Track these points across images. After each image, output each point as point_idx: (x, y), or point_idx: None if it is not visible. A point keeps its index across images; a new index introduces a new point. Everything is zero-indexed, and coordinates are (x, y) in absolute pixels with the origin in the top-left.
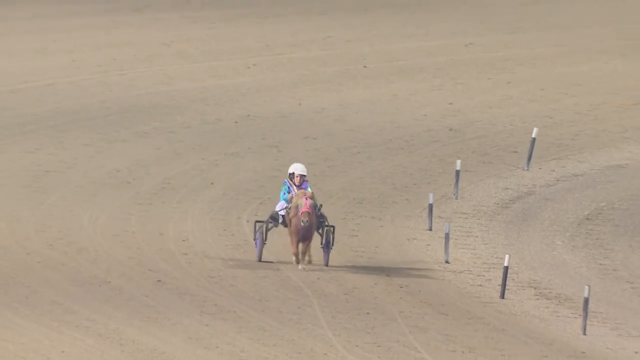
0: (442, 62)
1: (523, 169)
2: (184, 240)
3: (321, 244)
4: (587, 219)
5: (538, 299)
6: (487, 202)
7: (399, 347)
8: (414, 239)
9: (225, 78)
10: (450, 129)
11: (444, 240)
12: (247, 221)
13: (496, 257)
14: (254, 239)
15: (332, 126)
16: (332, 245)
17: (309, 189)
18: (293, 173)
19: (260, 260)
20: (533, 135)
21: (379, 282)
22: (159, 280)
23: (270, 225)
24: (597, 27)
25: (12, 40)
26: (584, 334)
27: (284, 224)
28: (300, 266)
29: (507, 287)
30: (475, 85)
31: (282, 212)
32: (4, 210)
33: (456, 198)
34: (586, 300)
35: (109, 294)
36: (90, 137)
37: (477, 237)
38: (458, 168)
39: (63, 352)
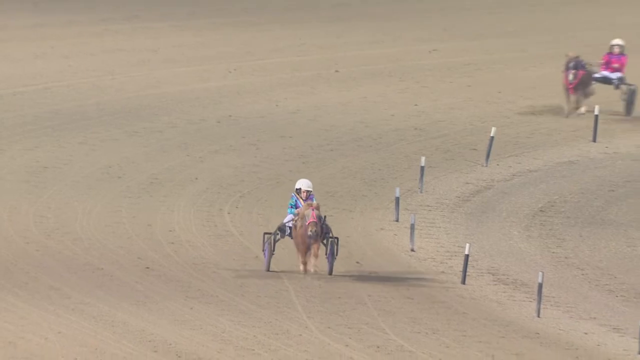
0: (407, 67)
1: (482, 165)
2: (170, 231)
3: (326, 254)
4: (541, 211)
5: (496, 285)
6: (449, 195)
7: (367, 328)
8: (382, 229)
9: (208, 82)
10: (415, 128)
11: (409, 230)
12: (229, 213)
13: (457, 246)
14: (263, 250)
15: (306, 126)
16: (336, 255)
17: (314, 200)
18: (300, 188)
19: (268, 270)
20: (491, 134)
21: (350, 269)
22: (147, 267)
23: (277, 236)
24: (549, 35)
25: (14, 47)
26: (538, 316)
27: (291, 235)
28: (301, 268)
29: (467, 273)
30: (438, 88)
31: (289, 224)
32: (5, 203)
33: (421, 192)
34: (540, 286)
35: (101, 279)
36: (84, 136)
37: (440, 227)
38: (422, 164)
39: (59, 332)
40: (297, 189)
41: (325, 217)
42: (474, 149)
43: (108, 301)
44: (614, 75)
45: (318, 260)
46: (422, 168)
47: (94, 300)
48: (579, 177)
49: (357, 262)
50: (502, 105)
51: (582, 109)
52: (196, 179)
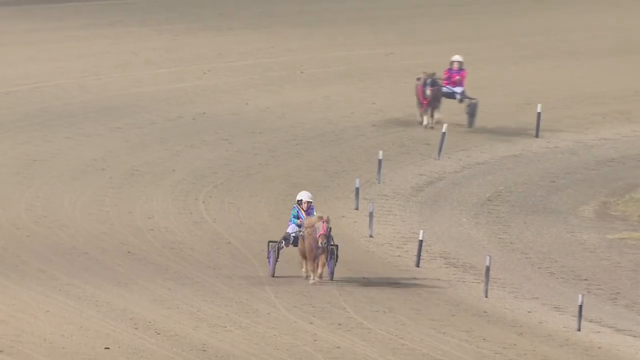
0: (367, 69)
1: (435, 159)
2: (149, 218)
3: (327, 259)
4: (488, 200)
5: (447, 267)
6: (404, 186)
7: (330, 307)
8: (343, 217)
9: (185, 82)
10: (373, 125)
11: (368, 218)
12: (203, 202)
13: (412, 232)
14: (267, 257)
15: (274, 122)
16: (336, 260)
17: (315, 211)
18: (301, 200)
19: (273, 276)
20: (443, 130)
21: None
22: (128, 252)
23: (281, 245)
24: (496, 40)
25: (6, 50)
26: (486, 296)
27: (294, 244)
28: (311, 281)
29: (421, 257)
30: (395, 88)
31: (295, 234)
32: None
33: (379, 183)
34: (487, 268)
35: (86, 263)
36: (71, 132)
37: (396, 215)
38: (380, 157)
39: (48, 311)
40: (298, 201)
41: (330, 228)
42: (427, 144)
43: (92, 282)
44: (458, 90)
45: (324, 270)
46: (380, 161)
47: (80, 281)
48: (523, 170)
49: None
50: (452, 104)
51: (432, 121)
52: (173, 170)
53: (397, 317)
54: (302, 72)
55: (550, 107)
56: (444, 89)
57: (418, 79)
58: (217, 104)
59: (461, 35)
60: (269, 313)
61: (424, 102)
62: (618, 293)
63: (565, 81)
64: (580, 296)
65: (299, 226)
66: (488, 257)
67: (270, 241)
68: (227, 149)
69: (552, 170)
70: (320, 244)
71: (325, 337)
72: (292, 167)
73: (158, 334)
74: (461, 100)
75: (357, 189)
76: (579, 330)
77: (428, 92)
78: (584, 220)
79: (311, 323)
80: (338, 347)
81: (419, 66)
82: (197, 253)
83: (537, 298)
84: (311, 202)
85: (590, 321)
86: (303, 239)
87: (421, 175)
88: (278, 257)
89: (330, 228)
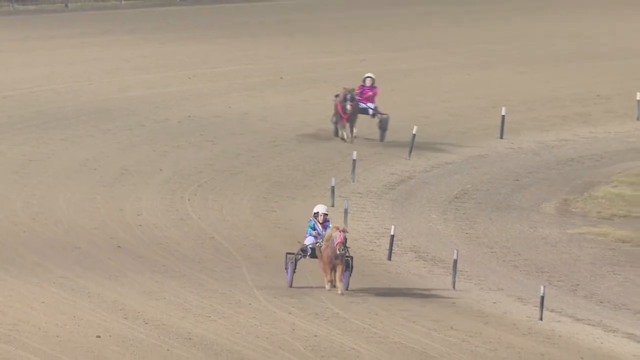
0: (342, 74)
1: (406, 159)
2: (138, 215)
3: (343, 270)
4: (456, 197)
5: (417, 261)
6: (377, 184)
7: (308, 298)
8: None
9: (172, 86)
10: None
11: (343, 214)
12: (189, 200)
13: (384, 228)
14: (285, 268)
15: (256, 125)
16: (351, 271)
17: (330, 225)
18: (317, 212)
19: (291, 286)
20: (413, 132)
21: (293, 247)
22: (119, 246)
23: (299, 256)
24: (463, 47)
25: (4, 57)
26: (454, 288)
27: (312, 255)
28: (327, 287)
29: (393, 251)
30: None
31: (312, 246)
32: None
33: (353, 181)
34: (455, 262)
35: (79, 257)
36: (65, 134)
37: (369, 212)
38: (354, 158)
39: (43, 302)
40: (315, 213)
41: (346, 239)
42: (399, 145)
43: (85, 275)
44: (371, 106)
45: (346, 282)
46: (354, 161)
47: (73, 274)
48: (488, 169)
49: (299, 242)
50: (422, 107)
51: (351, 135)
52: (161, 170)
53: (370, 308)
54: (281, 78)
55: (514, 110)
56: (360, 105)
57: (337, 96)
58: (202, 108)
59: (430, 42)
60: (250, 304)
61: (344, 117)
62: (577, 285)
63: (528, 86)
64: (542, 288)
65: (316, 238)
66: (456, 251)
67: (288, 253)
68: (211, 149)
69: (515, 169)
70: (338, 251)
71: (303, 326)
72: (273, 167)
73: (146, 323)
74: (374, 116)
75: (333, 188)
76: (541, 319)
77: (348, 107)
78: (546, 216)
79: (290, 313)
80: (315, 336)
81: (391, 72)
82: (183, 248)
83: (502, 289)
84: (327, 214)
85: (551, 311)
86: (320, 250)
87: (393, 174)
88: (296, 269)
89: (346, 239)
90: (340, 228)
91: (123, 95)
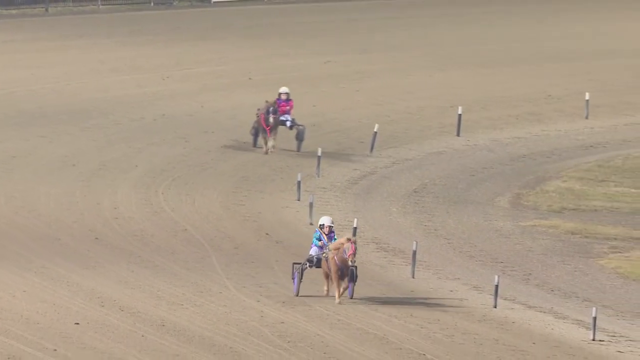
0: (307, 75)
1: (368, 155)
2: (115, 208)
3: (348, 280)
4: (415, 192)
5: (379, 251)
6: (340, 179)
7: (275, 287)
8: (287, 207)
9: (146, 87)
10: (314, 125)
11: (308, 207)
12: (162, 194)
13: (347, 220)
14: (292, 277)
15: (226, 123)
16: (356, 280)
17: (335, 236)
18: (323, 224)
19: (297, 295)
20: (375, 130)
21: (260, 239)
22: (96, 238)
23: (305, 266)
24: (423, 50)
25: None
26: (413, 277)
27: (317, 265)
28: (337, 300)
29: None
30: (332, 92)
31: (318, 256)
32: None
33: (318, 176)
34: (414, 252)
35: (59, 248)
36: (45, 132)
37: (333, 205)
38: (319, 154)
39: (24, 291)
40: (320, 225)
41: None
42: (361, 142)
43: (64, 265)
44: (289, 118)
45: (350, 290)
46: (319, 157)
47: (53, 264)
48: (445, 165)
49: (267, 234)
50: (384, 106)
51: (269, 147)
52: (136, 166)
53: (333, 294)
54: (250, 79)
55: (470, 109)
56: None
57: (259, 110)
58: (175, 107)
59: (392, 44)
60: (220, 292)
61: (267, 129)
62: (530, 274)
63: (483, 86)
64: (496, 277)
65: (321, 248)
66: (415, 242)
67: (294, 263)
68: (184, 146)
69: (471, 165)
70: (350, 262)
71: (271, 314)
72: (241, 163)
73: (122, 310)
74: (291, 127)
75: (299, 182)
76: (495, 307)
77: (271, 119)
78: (500, 209)
79: (258, 301)
80: (282, 323)
81: (354, 73)
82: (157, 239)
83: (459, 279)
84: (332, 226)
85: (505, 299)
86: (327, 260)
87: (355, 169)
88: (302, 278)
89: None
90: (352, 239)
91: (100, 96)
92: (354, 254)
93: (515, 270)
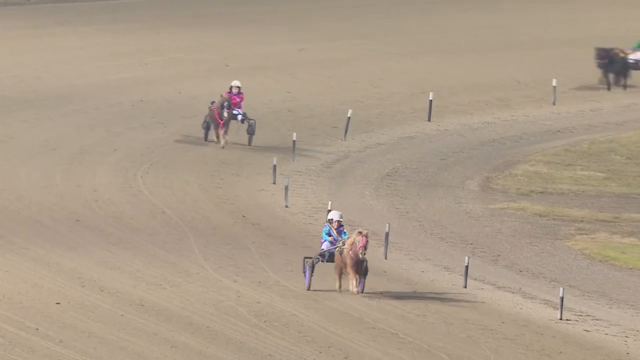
0: (282, 62)
1: (341, 140)
2: (95, 191)
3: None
4: (387, 175)
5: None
6: (315, 163)
7: (252, 268)
8: (263, 190)
9: (125, 73)
10: (289, 111)
11: (284, 190)
12: (141, 177)
13: (322, 203)
14: (304, 272)
15: (203, 109)
16: (366, 274)
17: (345, 231)
18: (332, 219)
19: (309, 289)
20: (348, 115)
21: (237, 221)
22: (77, 220)
23: (317, 261)
24: (393, 37)
25: None
26: (385, 258)
27: (329, 260)
28: (354, 290)
29: None
30: (307, 79)
31: (330, 250)
32: None
33: (293, 160)
34: (387, 234)
35: (40, 229)
36: (27, 116)
37: (308, 188)
38: (294, 139)
39: (6, 271)
40: (329, 220)
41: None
42: (335, 127)
43: (45, 247)
44: (241, 112)
45: (362, 285)
46: (294, 142)
47: (34, 245)
48: (417, 149)
49: (243, 216)
50: (357, 92)
51: (223, 142)
52: (115, 150)
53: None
54: (227, 65)
55: (440, 95)
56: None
57: (212, 103)
58: (153, 93)
59: (365, 32)
60: (198, 273)
61: (221, 123)
62: (499, 255)
63: (453, 73)
64: (466, 258)
65: (332, 243)
66: (387, 224)
67: (305, 257)
68: (162, 131)
69: (442, 149)
70: (360, 255)
71: (247, 294)
72: (218, 147)
73: (102, 291)
74: (242, 121)
75: (275, 166)
76: (465, 287)
77: (225, 114)
78: (470, 192)
79: (235, 281)
80: (258, 302)
81: (328, 60)
82: (136, 221)
83: (430, 259)
84: (341, 220)
85: (475, 279)
86: (341, 254)
87: (330, 154)
88: (313, 272)
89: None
90: (364, 233)
91: (80, 82)
92: (365, 246)
93: (485, 251)
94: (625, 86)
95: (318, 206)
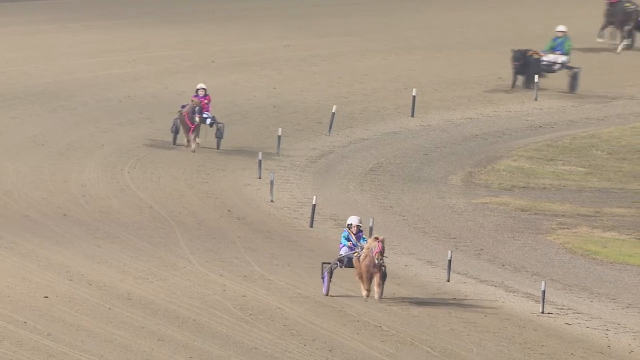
0: (268, 58)
1: (326, 135)
2: (82, 186)
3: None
4: (371, 170)
5: (337, 228)
6: (300, 158)
7: (237, 262)
8: (248, 184)
9: (112, 69)
10: (274, 106)
11: (269, 185)
12: (128, 172)
13: (307, 198)
14: (322, 277)
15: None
16: (384, 279)
17: (363, 236)
18: (351, 224)
19: (327, 295)
20: (333, 111)
21: (223, 215)
22: (64, 215)
23: (335, 266)
24: (378, 35)
25: None
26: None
27: (347, 265)
28: (369, 297)
29: (314, 219)
30: (292, 75)
31: (349, 256)
32: None
33: (278, 155)
34: (371, 228)
35: (28, 224)
36: (15, 112)
37: (293, 183)
38: (279, 134)
39: None
40: (348, 225)
41: (384, 249)
42: (320, 122)
43: (33, 241)
44: (210, 115)
45: (380, 289)
46: (279, 137)
47: (22, 240)
48: (400, 144)
49: (229, 211)
50: (341, 88)
51: (194, 146)
52: (103, 145)
53: (294, 270)
54: (212, 62)
55: (424, 91)
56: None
57: (183, 107)
58: (140, 89)
59: (350, 29)
60: (184, 267)
61: (192, 127)
62: (481, 249)
63: (436, 69)
64: (449, 252)
65: (351, 248)
66: (371, 218)
67: (324, 262)
68: (149, 127)
69: (425, 145)
70: (376, 261)
71: (233, 287)
72: (204, 142)
73: (90, 284)
74: (211, 125)
75: (260, 161)
76: (448, 281)
77: (197, 118)
78: (453, 187)
79: (221, 275)
80: (244, 296)
81: (313, 56)
82: (123, 216)
83: (413, 253)
84: (360, 225)
85: (458, 273)
86: (358, 259)
87: (314, 149)
88: (331, 278)
89: (384, 247)
90: (380, 238)
91: (68, 78)
92: (381, 252)
93: (468, 245)
94: (533, 88)
95: (303, 201)
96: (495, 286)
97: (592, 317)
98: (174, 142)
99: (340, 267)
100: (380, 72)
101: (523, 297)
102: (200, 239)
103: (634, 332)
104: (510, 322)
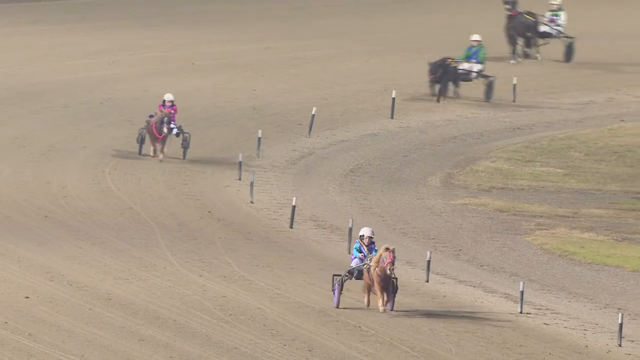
0: (249, 60)
1: (306, 137)
2: (64, 187)
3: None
4: (351, 171)
5: (316, 229)
6: (280, 160)
7: (217, 262)
8: (228, 186)
9: (94, 71)
10: (254, 108)
11: (249, 186)
12: (109, 174)
13: (287, 199)
14: (332, 289)
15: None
16: (396, 292)
17: (376, 247)
18: (363, 235)
19: (337, 307)
20: (313, 113)
21: (203, 217)
22: (46, 216)
23: (346, 278)
24: (359, 36)
25: None
26: (349, 253)
27: (358, 277)
28: (381, 309)
29: (294, 220)
30: (272, 77)
31: (359, 267)
32: None
33: (258, 157)
34: (350, 229)
35: (10, 225)
36: None
37: (273, 184)
38: (259, 136)
39: None
40: (360, 236)
41: (395, 257)
42: (300, 124)
43: (15, 242)
44: (176, 125)
45: (392, 302)
46: (259, 139)
47: (4, 241)
48: (380, 146)
49: (209, 212)
50: (322, 90)
51: (162, 156)
52: (84, 147)
53: (274, 271)
54: (193, 64)
55: (403, 93)
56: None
57: (151, 116)
58: (121, 91)
59: (331, 32)
60: (164, 267)
61: (160, 137)
62: (460, 250)
63: (417, 71)
64: (428, 253)
65: (362, 260)
66: (351, 219)
67: (334, 274)
68: (129, 129)
69: (404, 146)
70: (387, 271)
71: (213, 288)
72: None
73: (71, 285)
74: (178, 135)
75: (240, 163)
76: (427, 281)
77: (165, 129)
78: (432, 188)
79: (201, 276)
80: (224, 296)
81: (294, 58)
82: (104, 217)
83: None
84: (372, 237)
85: (437, 274)
86: (368, 271)
87: (294, 150)
88: (342, 290)
89: (395, 258)
90: (391, 249)
91: (50, 79)
92: (392, 262)
93: (447, 246)
94: (453, 97)
95: (283, 202)
96: (474, 286)
97: (570, 317)
98: (140, 152)
99: (350, 279)
100: (360, 74)
101: (501, 297)
102: (181, 240)
103: (611, 332)
104: (489, 322)
